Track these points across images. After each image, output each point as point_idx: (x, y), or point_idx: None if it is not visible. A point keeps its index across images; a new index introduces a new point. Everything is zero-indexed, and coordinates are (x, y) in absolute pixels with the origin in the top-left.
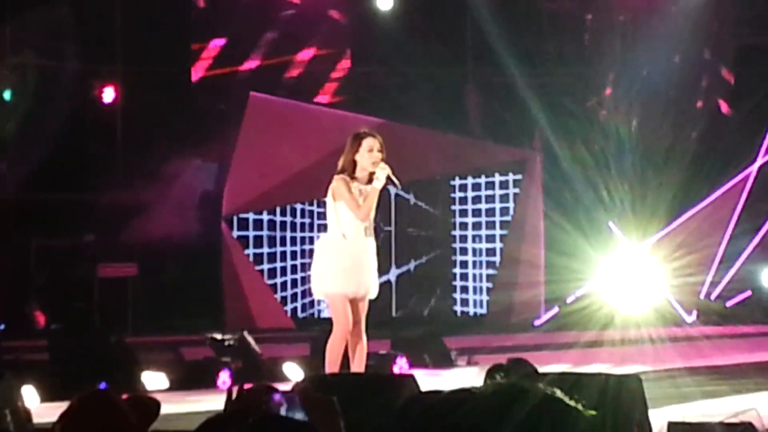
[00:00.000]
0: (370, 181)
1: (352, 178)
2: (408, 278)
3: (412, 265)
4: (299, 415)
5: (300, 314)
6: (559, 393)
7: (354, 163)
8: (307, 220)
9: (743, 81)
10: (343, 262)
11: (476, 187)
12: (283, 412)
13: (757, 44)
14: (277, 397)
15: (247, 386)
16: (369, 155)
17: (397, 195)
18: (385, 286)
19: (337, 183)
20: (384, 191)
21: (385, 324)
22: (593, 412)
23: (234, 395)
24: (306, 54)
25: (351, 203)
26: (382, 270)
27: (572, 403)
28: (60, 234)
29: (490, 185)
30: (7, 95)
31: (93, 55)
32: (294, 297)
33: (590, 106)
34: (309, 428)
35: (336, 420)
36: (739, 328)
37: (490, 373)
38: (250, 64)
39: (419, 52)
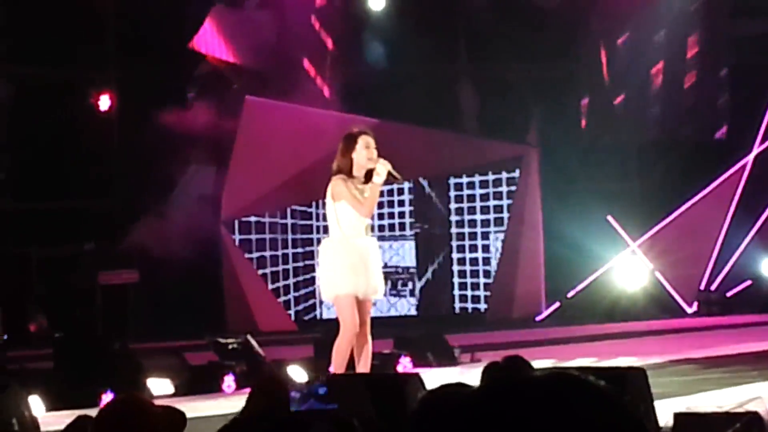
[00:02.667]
0: (367, 179)
1: (350, 177)
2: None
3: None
4: (329, 405)
5: (301, 316)
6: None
7: (351, 163)
8: (306, 222)
9: (739, 71)
10: (352, 262)
11: (474, 184)
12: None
13: (751, 34)
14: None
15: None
16: (366, 152)
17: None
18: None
19: (336, 183)
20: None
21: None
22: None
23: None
24: (300, 55)
25: (353, 201)
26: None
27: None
28: (60, 243)
29: (488, 182)
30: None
31: (88, 63)
32: (297, 300)
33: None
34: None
35: (366, 405)
36: (740, 318)
37: (486, 372)
38: (246, 66)
39: (412, 50)
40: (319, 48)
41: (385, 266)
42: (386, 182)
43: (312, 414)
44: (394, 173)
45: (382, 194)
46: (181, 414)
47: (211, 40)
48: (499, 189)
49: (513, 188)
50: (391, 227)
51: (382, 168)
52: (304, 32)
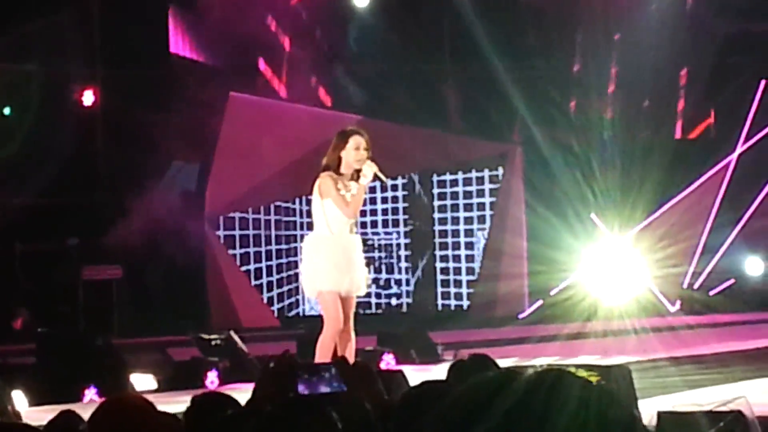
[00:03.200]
0: (355, 178)
1: (338, 174)
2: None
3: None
4: (338, 385)
5: (284, 313)
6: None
7: (339, 160)
8: (290, 219)
9: (723, 70)
10: (335, 260)
11: (458, 182)
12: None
13: (736, 32)
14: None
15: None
16: (355, 153)
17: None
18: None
19: (324, 180)
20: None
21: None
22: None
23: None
24: (284, 52)
25: (338, 200)
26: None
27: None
28: (43, 238)
29: (471, 180)
30: None
31: (72, 58)
32: (280, 296)
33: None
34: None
35: (375, 385)
36: (723, 317)
37: (452, 369)
38: (229, 63)
39: (397, 47)
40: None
41: (377, 261)
42: (372, 182)
43: (322, 397)
44: (380, 175)
45: (377, 190)
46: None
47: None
48: (483, 187)
49: (496, 186)
50: (385, 223)
51: (369, 170)
52: (287, 28)
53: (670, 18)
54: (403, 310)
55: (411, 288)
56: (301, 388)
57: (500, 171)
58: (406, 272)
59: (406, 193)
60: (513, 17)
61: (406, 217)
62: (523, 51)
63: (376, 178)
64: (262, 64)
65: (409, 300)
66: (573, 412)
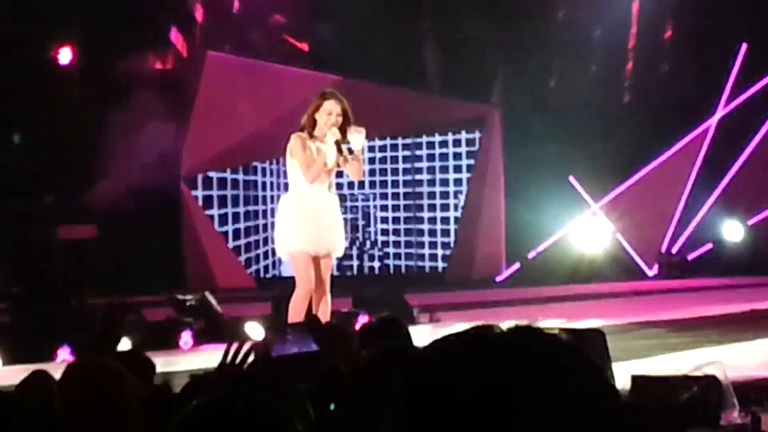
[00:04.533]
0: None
1: (312, 136)
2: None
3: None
4: (311, 346)
5: (261, 274)
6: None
7: (314, 122)
8: (269, 179)
9: (703, 32)
10: (304, 220)
11: (434, 144)
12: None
13: None
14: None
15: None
16: (327, 118)
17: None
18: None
19: (294, 141)
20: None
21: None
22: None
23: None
24: (264, 12)
25: (302, 163)
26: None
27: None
28: (19, 197)
29: (448, 143)
30: None
31: (49, 16)
32: (257, 258)
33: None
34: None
35: (349, 345)
36: (701, 281)
37: (361, 332)
38: (209, 20)
39: (377, 7)
40: (282, 4)
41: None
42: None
43: (295, 358)
44: (341, 146)
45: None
46: (149, 362)
47: None
48: (464, 148)
49: (474, 148)
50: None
51: (330, 137)
52: None
53: None
54: (376, 273)
55: (389, 250)
56: (275, 349)
57: (477, 134)
58: (383, 234)
59: (383, 154)
60: None
61: (383, 178)
62: (505, 12)
63: (336, 146)
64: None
65: (388, 262)
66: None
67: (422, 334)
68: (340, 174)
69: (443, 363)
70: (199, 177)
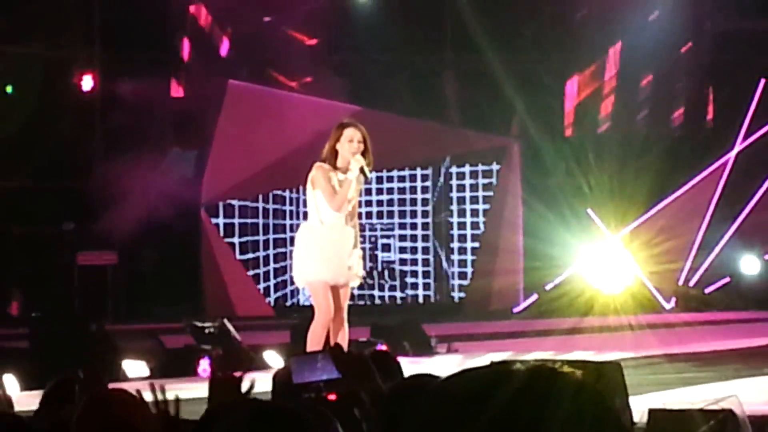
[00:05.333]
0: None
1: (334, 167)
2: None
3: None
4: (334, 375)
5: (280, 302)
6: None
7: (335, 152)
8: (288, 208)
9: (721, 67)
10: (323, 250)
11: (453, 175)
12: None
13: (735, 30)
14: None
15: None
16: (348, 145)
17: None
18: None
19: (316, 171)
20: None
21: (364, 310)
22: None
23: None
24: (285, 41)
25: (327, 192)
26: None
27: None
28: (40, 222)
29: (466, 174)
30: None
31: (72, 42)
32: (277, 286)
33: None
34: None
35: (372, 376)
36: (718, 315)
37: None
38: (229, 51)
39: (397, 39)
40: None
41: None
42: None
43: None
44: (366, 170)
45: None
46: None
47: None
48: (483, 180)
49: (493, 180)
50: (380, 215)
51: (355, 164)
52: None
53: (669, 14)
54: (395, 303)
55: (407, 280)
56: (296, 377)
57: (495, 166)
58: (401, 264)
59: (401, 185)
60: (514, 9)
61: (402, 208)
62: (522, 45)
63: (361, 172)
64: (267, 55)
65: (406, 292)
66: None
67: (440, 365)
68: (360, 204)
69: (462, 397)
70: (220, 205)
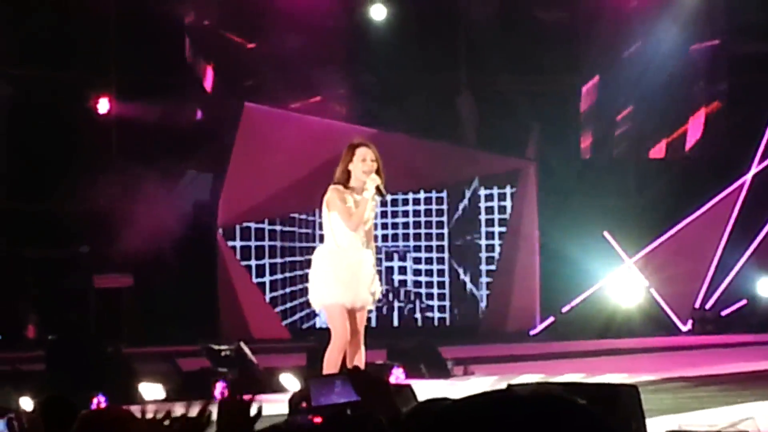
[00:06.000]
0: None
1: (347, 188)
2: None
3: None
4: (352, 398)
5: (292, 324)
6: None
7: (348, 173)
8: (304, 230)
9: (736, 90)
10: (340, 273)
11: (469, 197)
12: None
13: (749, 53)
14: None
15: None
16: (362, 165)
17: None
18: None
19: (331, 193)
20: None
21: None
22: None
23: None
24: (301, 64)
25: (343, 213)
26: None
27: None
28: (55, 245)
29: (482, 196)
30: None
31: (88, 66)
32: (294, 308)
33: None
34: None
35: (390, 399)
36: (735, 337)
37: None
38: (246, 72)
39: (413, 61)
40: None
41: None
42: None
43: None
44: (382, 189)
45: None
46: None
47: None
48: (494, 203)
49: (510, 202)
50: (394, 237)
51: (371, 183)
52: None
53: (684, 37)
54: (411, 325)
55: (423, 302)
56: (315, 399)
57: (508, 189)
58: (417, 286)
59: (416, 207)
60: (530, 31)
61: (417, 231)
62: (540, 66)
63: (378, 192)
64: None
65: (420, 316)
66: None
67: (456, 388)
68: (375, 227)
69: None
70: (237, 227)
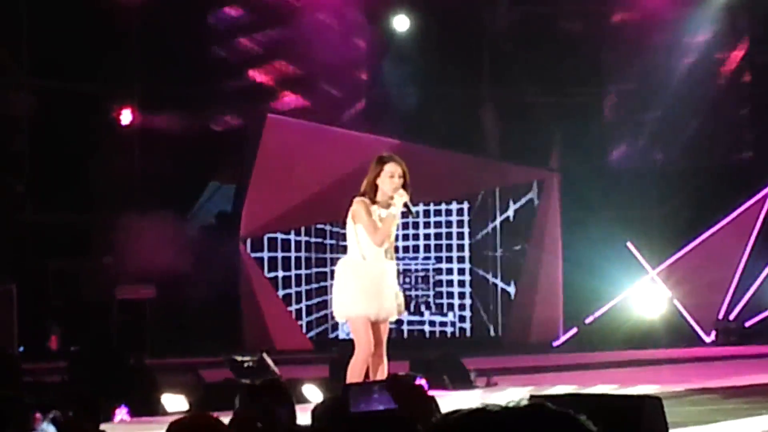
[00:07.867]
0: (390, 205)
1: (373, 201)
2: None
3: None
4: (390, 405)
5: (319, 336)
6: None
7: (375, 187)
8: (329, 241)
9: (761, 99)
10: (364, 285)
11: (491, 208)
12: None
13: None
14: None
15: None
16: (389, 180)
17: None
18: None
19: (357, 206)
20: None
21: (403, 344)
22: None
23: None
24: (323, 75)
25: (369, 227)
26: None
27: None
28: (78, 256)
29: (504, 207)
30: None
31: (111, 77)
32: (318, 320)
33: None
34: None
35: (428, 404)
36: (758, 348)
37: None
38: (269, 84)
39: (436, 72)
40: (342, 67)
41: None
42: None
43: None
44: (409, 206)
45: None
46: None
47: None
48: (517, 214)
49: (533, 213)
50: (415, 249)
51: (399, 199)
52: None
53: (708, 46)
54: (434, 336)
55: (446, 313)
56: (354, 405)
57: (532, 199)
58: (439, 297)
59: (438, 219)
60: (553, 43)
61: (438, 242)
62: (563, 77)
63: (405, 208)
64: (306, 88)
65: (442, 328)
66: None
67: (479, 399)
68: (397, 238)
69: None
70: (260, 238)
